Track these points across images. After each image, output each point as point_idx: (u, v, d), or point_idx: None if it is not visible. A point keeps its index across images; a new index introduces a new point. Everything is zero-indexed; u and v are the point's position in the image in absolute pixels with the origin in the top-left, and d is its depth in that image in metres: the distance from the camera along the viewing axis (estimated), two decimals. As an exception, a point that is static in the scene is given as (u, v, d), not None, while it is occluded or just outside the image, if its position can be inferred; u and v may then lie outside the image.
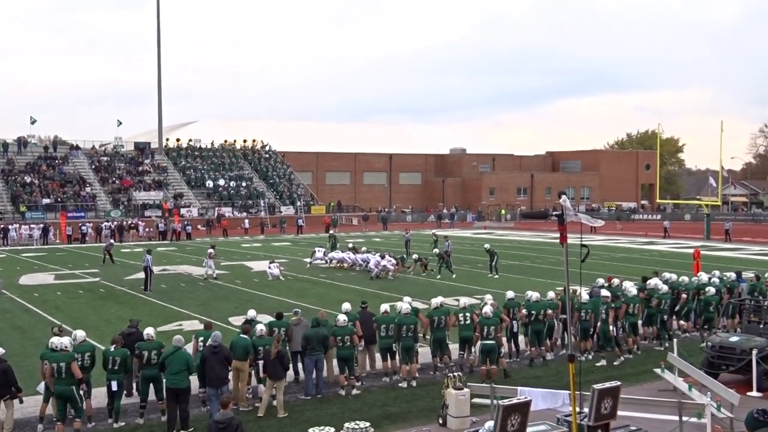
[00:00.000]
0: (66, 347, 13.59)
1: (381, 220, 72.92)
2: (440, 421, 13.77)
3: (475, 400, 13.92)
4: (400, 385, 16.47)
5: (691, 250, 34.30)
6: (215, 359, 14.04)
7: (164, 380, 13.93)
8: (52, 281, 34.37)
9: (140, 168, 76.19)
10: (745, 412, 13.54)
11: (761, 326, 17.80)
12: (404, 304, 17.15)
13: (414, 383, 16.48)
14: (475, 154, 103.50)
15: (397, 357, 16.88)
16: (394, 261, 34.85)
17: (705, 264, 30.41)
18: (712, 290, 20.99)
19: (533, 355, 18.47)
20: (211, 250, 36.27)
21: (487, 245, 37.71)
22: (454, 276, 34.29)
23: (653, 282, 21.06)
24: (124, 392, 14.62)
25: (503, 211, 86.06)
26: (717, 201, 68.82)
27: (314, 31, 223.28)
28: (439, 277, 34.42)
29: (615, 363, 18.23)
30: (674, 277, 22.21)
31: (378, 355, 17.40)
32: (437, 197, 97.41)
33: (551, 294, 20.05)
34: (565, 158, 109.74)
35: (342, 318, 16.42)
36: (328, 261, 38.62)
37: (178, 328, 21.44)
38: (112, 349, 14.24)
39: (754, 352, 15.80)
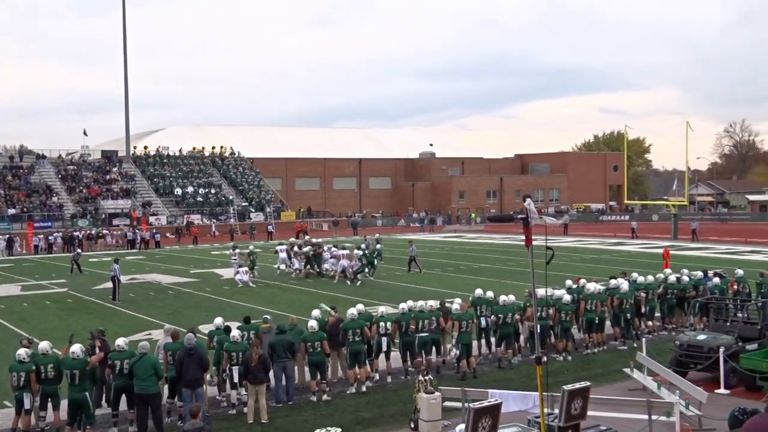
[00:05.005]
0: (24, 359, 13.73)
1: (351, 225, 72.87)
2: (412, 425, 13.76)
3: (447, 403, 13.93)
4: (348, 392, 16.44)
5: (659, 250, 34.67)
6: (191, 361, 14.05)
7: (134, 387, 13.84)
8: (18, 292, 33.89)
9: (108, 176, 75.50)
10: (713, 410, 13.77)
11: (728, 324, 18.00)
12: (352, 309, 17.21)
13: (364, 388, 16.47)
14: (445, 158, 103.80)
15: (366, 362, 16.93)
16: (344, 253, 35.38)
17: (673, 264, 30.70)
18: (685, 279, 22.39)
19: (499, 355, 18.57)
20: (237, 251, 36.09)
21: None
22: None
23: (613, 282, 21.30)
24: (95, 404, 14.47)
25: (473, 215, 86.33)
26: (684, 201, 69.52)
27: (282, 39, 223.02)
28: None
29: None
30: (642, 278, 22.42)
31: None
32: (407, 201, 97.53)
33: (569, 282, 21.30)
34: (533, 161, 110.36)
35: (313, 323, 16.37)
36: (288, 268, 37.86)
37: (147, 337, 21.22)
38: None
39: (722, 350, 15.97)
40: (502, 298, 18.86)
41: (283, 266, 37.35)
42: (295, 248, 37.58)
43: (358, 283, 33.61)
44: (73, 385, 13.35)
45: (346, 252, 35.66)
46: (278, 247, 39.69)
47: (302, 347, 16.23)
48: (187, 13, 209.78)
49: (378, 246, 37.35)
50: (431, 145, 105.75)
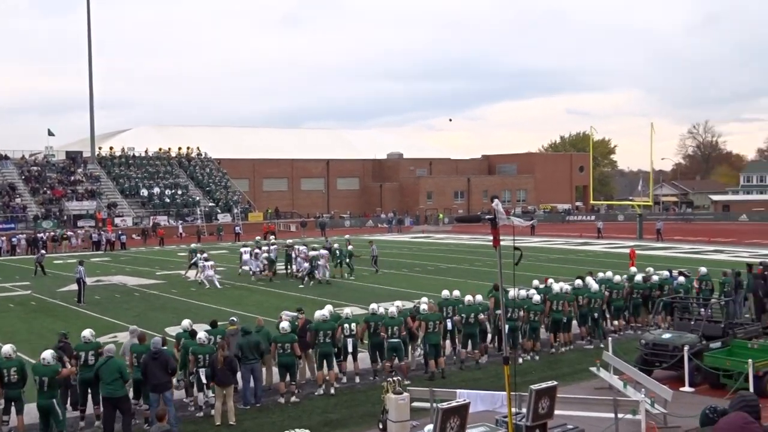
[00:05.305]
0: None
1: (319, 226, 72.70)
2: (380, 426, 13.75)
3: (415, 404, 13.94)
4: (317, 393, 16.41)
5: (625, 250, 35.02)
6: (155, 365, 13.95)
7: (100, 391, 13.76)
8: (-20, 295, 33.41)
9: (72, 177, 74.59)
10: (678, 408, 13.92)
11: (692, 323, 18.22)
12: (323, 311, 17.18)
13: (332, 390, 16.45)
14: (412, 158, 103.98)
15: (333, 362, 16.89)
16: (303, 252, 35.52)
17: (639, 263, 31.01)
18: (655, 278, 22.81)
19: (462, 356, 18.63)
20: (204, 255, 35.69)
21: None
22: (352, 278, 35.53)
23: (578, 282, 21.46)
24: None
25: (441, 215, 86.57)
26: (648, 201, 70.29)
27: (250, 39, 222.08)
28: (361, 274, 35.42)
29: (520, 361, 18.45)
30: (609, 274, 22.64)
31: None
32: (375, 202, 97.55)
33: (536, 282, 21.54)
34: (500, 161, 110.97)
35: (285, 325, 16.31)
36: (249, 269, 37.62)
37: (113, 340, 21.00)
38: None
39: (686, 348, 16.15)
40: (468, 298, 18.92)
41: (246, 267, 37.18)
42: (256, 250, 37.42)
43: (311, 283, 33.71)
44: (41, 391, 13.14)
45: (319, 253, 35.43)
46: (242, 249, 39.68)
47: (273, 348, 16.20)
48: (154, 12, 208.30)
49: (349, 247, 37.47)
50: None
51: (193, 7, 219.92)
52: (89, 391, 14.36)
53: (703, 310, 19.26)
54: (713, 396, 14.87)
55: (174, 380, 14.89)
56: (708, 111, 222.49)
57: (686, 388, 15.90)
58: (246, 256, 37.65)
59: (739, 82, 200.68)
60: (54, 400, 13.18)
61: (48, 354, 13.47)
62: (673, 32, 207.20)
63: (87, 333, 14.48)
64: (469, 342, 18.58)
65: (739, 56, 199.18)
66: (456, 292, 19.25)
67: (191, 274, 36.64)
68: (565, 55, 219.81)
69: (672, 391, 14.18)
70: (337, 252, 36.80)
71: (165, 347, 14.80)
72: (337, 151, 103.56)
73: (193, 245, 38.60)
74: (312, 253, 35.04)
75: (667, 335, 17.46)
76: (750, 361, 15.18)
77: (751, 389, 14.31)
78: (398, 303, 18.86)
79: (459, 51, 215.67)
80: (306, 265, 34.57)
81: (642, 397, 13.53)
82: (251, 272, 36.54)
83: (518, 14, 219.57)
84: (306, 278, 34.20)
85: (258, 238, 41.42)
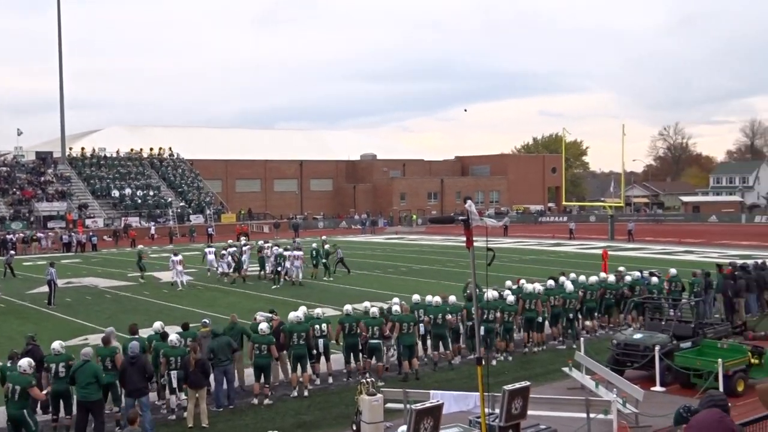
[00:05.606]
0: None
1: (292, 227, 72.54)
2: (354, 428, 13.71)
3: (389, 405, 13.93)
4: (292, 395, 16.38)
5: (597, 251, 35.26)
6: (133, 369, 13.85)
7: (75, 394, 13.63)
8: (-52, 297, 32.94)
9: (42, 178, 73.77)
10: (649, 407, 14.04)
11: (663, 323, 18.39)
12: (296, 313, 17.16)
13: (306, 392, 16.41)
14: (386, 159, 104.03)
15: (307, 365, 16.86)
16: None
17: (610, 264, 31.23)
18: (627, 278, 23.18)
19: (435, 358, 18.66)
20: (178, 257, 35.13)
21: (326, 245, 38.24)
22: (331, 279, 36.01)
23: (550, 282, 21.56)
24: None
25: (414, 216, 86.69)
26: (620, 202, 70.85)
27: (223, 39, 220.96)
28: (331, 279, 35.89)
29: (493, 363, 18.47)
30: (582, 278, 22.76)
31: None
32: (348, 203, 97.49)
33: (509, 283, 21.65)
34: (474, 163, 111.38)
35: (264, 326, 16.25)
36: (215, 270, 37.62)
37: (84, 342, 20.81)
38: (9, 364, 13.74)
39: (657, 348, 16.30)
40: (436, 299, 18.92)
41: (218, 269, 37.00)
42: (222, 251, 37.27)
43: (273, 286, 33.56)
44: (12, 400, 12.70)
45: (293, 254, 35.24)
46: (206, 249, 39.81)
47: (249, 348, 16.17)
48: (125, 11, 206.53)
49: (326, 246, 37.50)
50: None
51: (165, 6, 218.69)
52: (61, 402, 14.11)
53: (673, 311, 19.45)
54: (684, 395, 15.01)
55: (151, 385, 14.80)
56: (681, 113, 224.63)
57: (657, 388, 16.04)
58: (210, 257, 37.81)
59: (712, 84, 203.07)
60: (25, 411, 12.83)
61: (25, 362, 13.08)
62: (647, 35, 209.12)
63: (57, 345, 14.23)
64: (440, 343, 18.61)
65: (713, 59, 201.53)
66: (428, 297, 19.23)
67: (163, 275, 36.39)
68: (540, 56, 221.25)
69: (643, 390, 14.30)
70: (313, 252, 36.72)
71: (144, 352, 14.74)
72: (311, 152, 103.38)
73: (139, 247, 38.96)
74: (286, 253, 34.90)
75: (638, 335, 17.60)
76: (720, 360, 15.35)
77: (721, 389, 14.47)
78: (366, 304, 18.83)
79: (434, 52, 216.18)
80: (288, 264, 34.39)
81: (614, 397, 13.63)
82: (219, 273, 36.47)
83: (494, 16, 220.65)
84: (276, 277, 34.17)
85: (230, 241, 41.13)
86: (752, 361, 16.22)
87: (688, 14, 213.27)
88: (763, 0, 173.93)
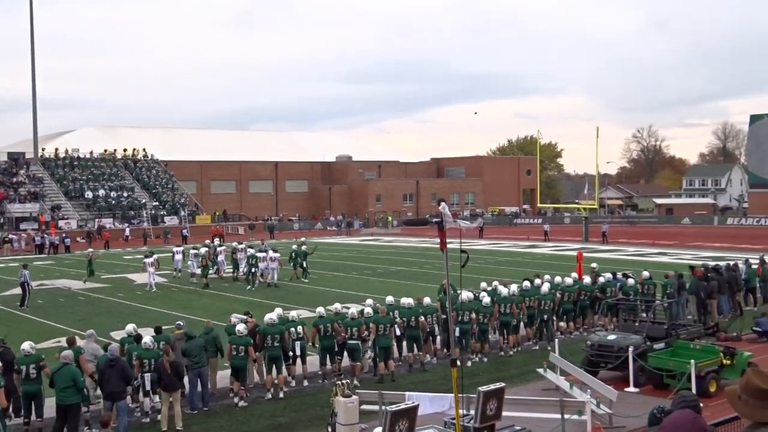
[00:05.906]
0: None
1: (267, 228, 72.33)
2: (329, 430, 13.68)
3: (364, 406, 13.93)
4: (267, 397, 16.31)
5: (571, 253, 35.44)
6: (112, 372, 13.79)
7: (45, 396, 13.52)
8: None
9: (14, 179, 72.95)
10: (623, 408, 14.14)
11: (636, 324, 18.53)
12: (271, 314, 17.13)
13: (281, 394, 16.37)
14: (362, 161, 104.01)
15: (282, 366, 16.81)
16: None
17: (585, 266, 31.37)
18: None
19: (410, 360, 18.68)
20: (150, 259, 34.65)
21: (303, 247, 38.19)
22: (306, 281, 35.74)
23: (526, 284, 21.67)
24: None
25: (390, 218, 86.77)
26: (594, 204, 71.20)
27: (198, 39, 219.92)
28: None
29: (468, 364, 18.52)
30: (558, 278, 22.87)
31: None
32: (324, 205, 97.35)
33: (483, 284, 21.61)
34: (449, 164, 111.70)
35: (241, 327, 16.18)
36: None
37: (57, 345, 20.61)
38: None
39: (631, 349, 16.42)
40: (409, 301, 18.93)
41: (189, 270, 36.85)
42: (192, 251, 37.07)
43: (248, 287, 33.45)
44: None
45: (269, 255, 35.06)
46: (174, 249, 39.71)
47: (228, 349, 16.12)
48: (99, 11, 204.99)
49: (303, 247, 37.46)
50: None
51: (141, 6, 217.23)
52: (32, 403, 14.02)
53: (645, 313, 19.61)
54: (657, 396, 15.13)
55: (129, 388, 14.69)
56: (654, 116, 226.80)
57: (631, 389, 16.15)
58: (178, 257, 37.92)
59: (685, 88, 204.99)
60: None
61: None
62: (623, 38, 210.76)
63: (26, 346, 14.10)
64: (414, 345, 18.64)
65: (687, 62, 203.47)
66: (403, 299, 19.24)
67: (137, 277, 36.12)
68: (516, 59, 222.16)
69: (617, 391, 14.39)
70: (292, 254, 36.59)
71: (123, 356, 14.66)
72: (286, 153, 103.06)
73: (89, 249, 39.24)
74: (259, 254, 34.74)
75: (612, 336, 17.73)
76: (692, 361, 15.50)
77: (694, 389, 14.62)
78: (337, 305, 18.77)
79: (411, 53, 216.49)
80: (263, 265, 34.24)
81: (588, 398, 13.71)
82: (190, 273, 36.47)
83: (470, 18, 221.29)
84: (251, 278, 34.04)
85: (235, 243, 40.85)
86: (724, 362, 16.37)
87: (662, 18, 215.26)
88: (736, 5, 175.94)
